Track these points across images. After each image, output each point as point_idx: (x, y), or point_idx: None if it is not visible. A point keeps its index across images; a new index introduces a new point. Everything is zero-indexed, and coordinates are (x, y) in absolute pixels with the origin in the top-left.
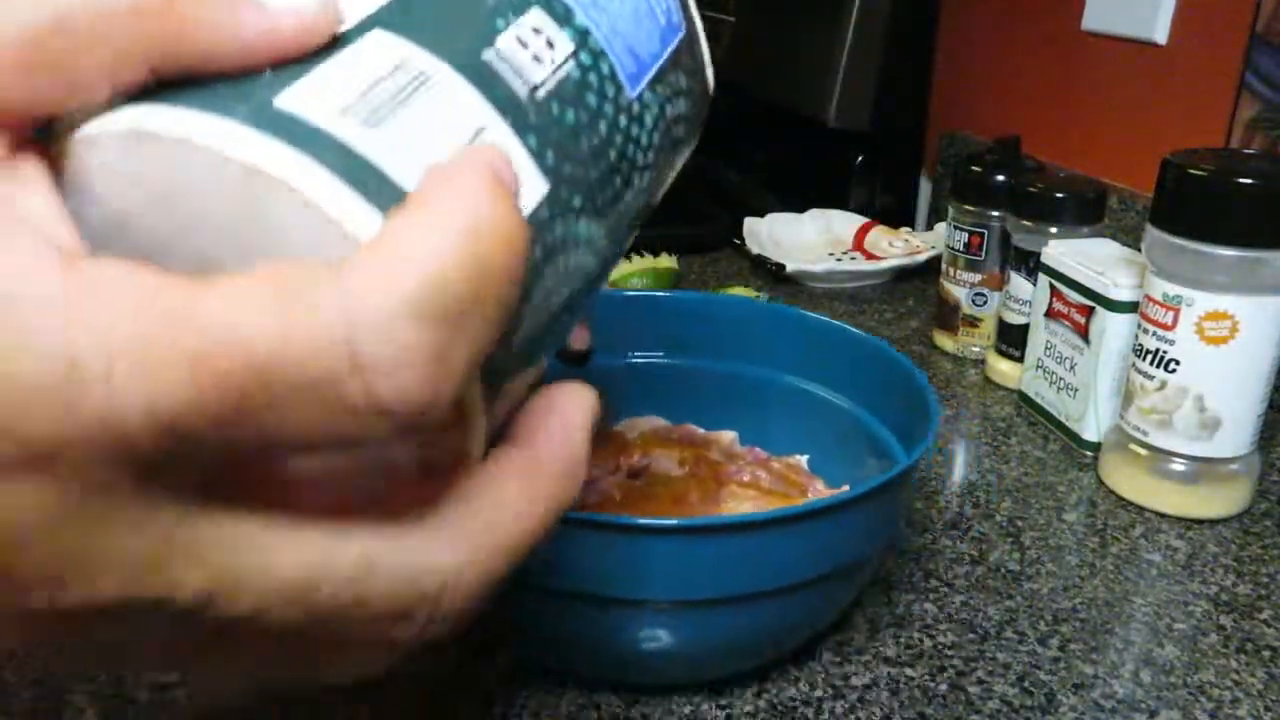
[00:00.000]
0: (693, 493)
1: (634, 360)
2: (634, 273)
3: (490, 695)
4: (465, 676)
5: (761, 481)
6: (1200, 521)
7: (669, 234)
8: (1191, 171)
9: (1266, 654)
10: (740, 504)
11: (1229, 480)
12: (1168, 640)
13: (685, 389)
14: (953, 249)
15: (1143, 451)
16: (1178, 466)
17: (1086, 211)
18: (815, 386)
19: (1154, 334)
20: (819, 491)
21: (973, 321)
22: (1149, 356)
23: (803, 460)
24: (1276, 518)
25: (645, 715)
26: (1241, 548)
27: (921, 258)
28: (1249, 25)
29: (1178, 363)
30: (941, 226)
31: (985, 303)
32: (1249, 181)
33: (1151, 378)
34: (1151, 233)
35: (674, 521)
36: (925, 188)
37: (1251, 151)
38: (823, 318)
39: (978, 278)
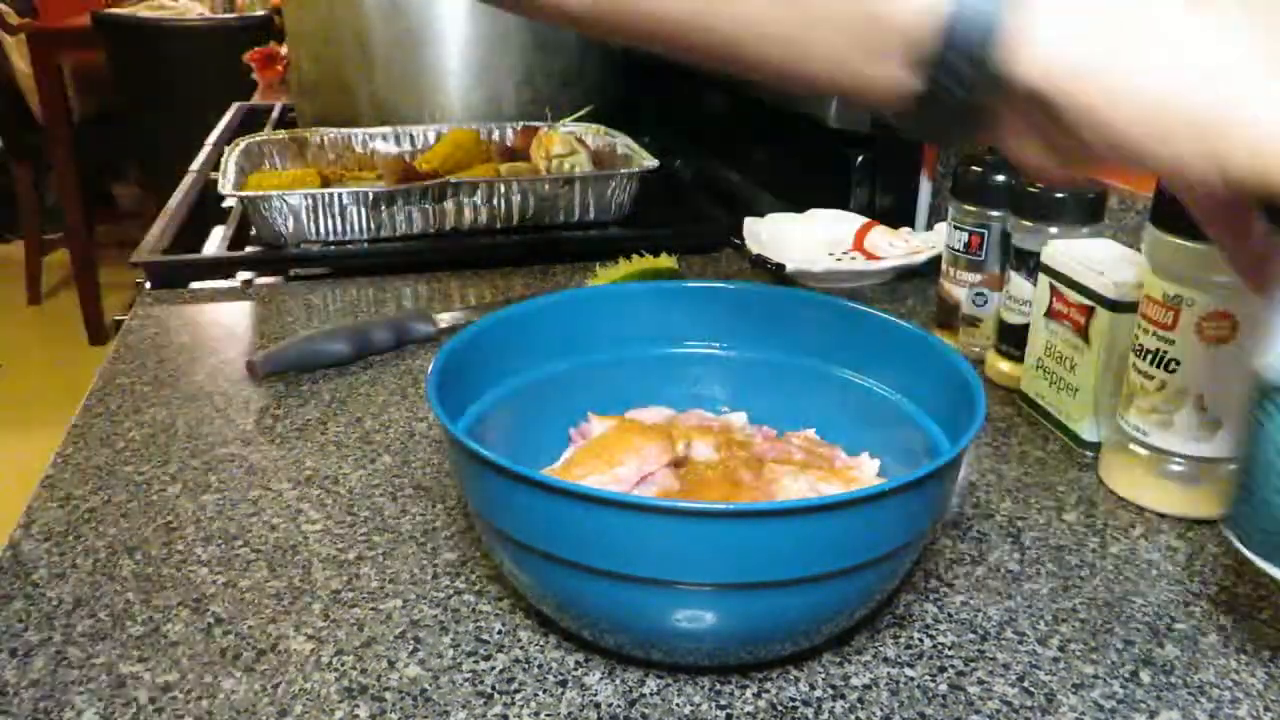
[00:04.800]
0: (743, 474)
1: (629, 350)
2: (633, 272)
3: (490, 695)
4: (465, 675)
5: (794, 456)
6: (1200, 522)
7: (669, 234)
8: None
9: (1266, 654)
10: (794, 481)
11: (1229, 480)
12: (1168, 640)
13: (664, 373)
14: (953, 249)
15: (1143, 452)
16: (1177, 467)
17: (1086, 211)
18: (817, 362)
19: (1154, 334)
20: (844, 460)
21: (973, 321)
22: (1149, 356)
23: (812, 433)
24: None
25: (645, 715)
26: None
27: (921, 258)
28: None
29: (1178, 363)
30: (941, 226)
31: (985, 303)
32: None
33: (1151, 378)
34: (1151, 233)
35: (803, 502)
36: (925, 188)
37: None
38: (807, 292)
39: (978, 278)
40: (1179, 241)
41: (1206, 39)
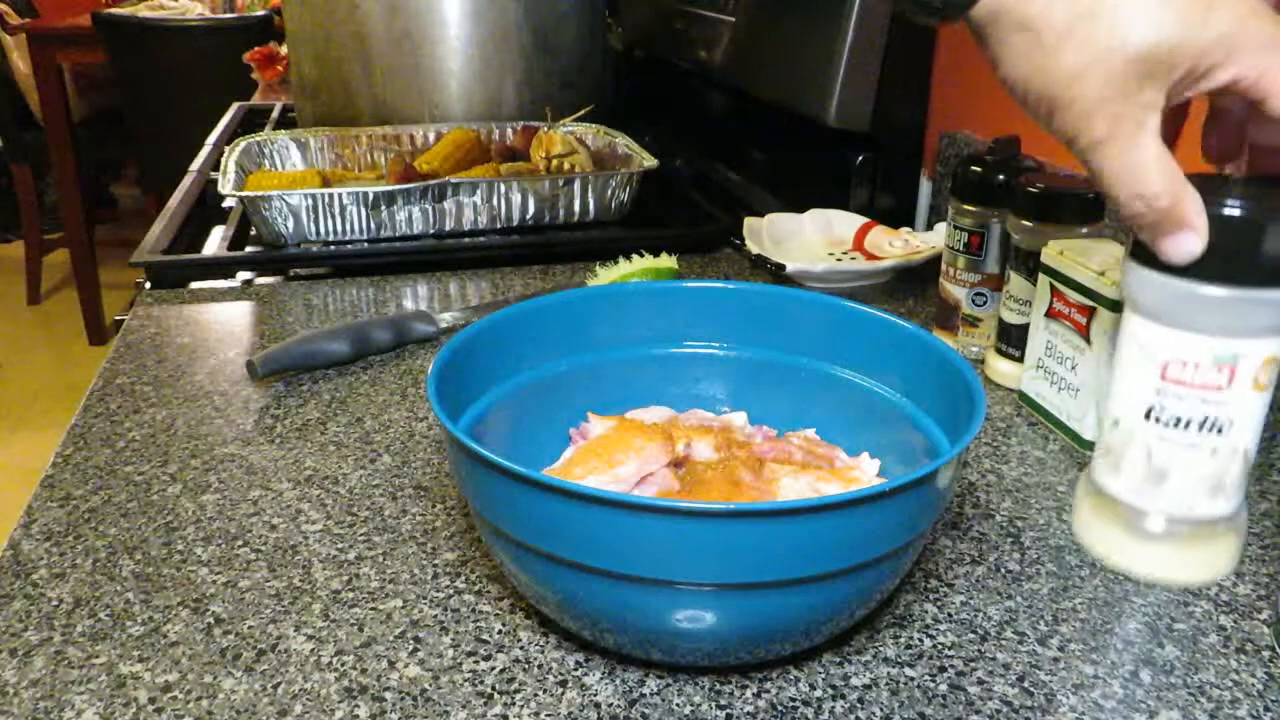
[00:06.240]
0: (743, 474)
1: (629, 350)
2: (634, 273)
3: (490, 695)
4: (465, 675)
5: (794, 456)
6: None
7: (669, 234)
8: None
9: (1266, 654)
10: (795, 480)
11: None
12: (1168, 640)
13: (664, 373)
14: (953, 249)
15: (1117, 501)
16: (1154, 523)
17: (1086, 211)
18: (817, 362)
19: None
20: (844, 461)
21: (973, 321)
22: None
23: (812, 433)
24: (1276, 518)
25: (645, 715)
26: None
27: (921, 258)
28: None
29: (1231, 423)
30: (941, 226)
31: (985, 303)
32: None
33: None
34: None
35: (805, 502)
36: (925, 188)
37: (1236, 178)
38: (807, 292)
39: (978, 278)
40: (1161, 278)
41: None
